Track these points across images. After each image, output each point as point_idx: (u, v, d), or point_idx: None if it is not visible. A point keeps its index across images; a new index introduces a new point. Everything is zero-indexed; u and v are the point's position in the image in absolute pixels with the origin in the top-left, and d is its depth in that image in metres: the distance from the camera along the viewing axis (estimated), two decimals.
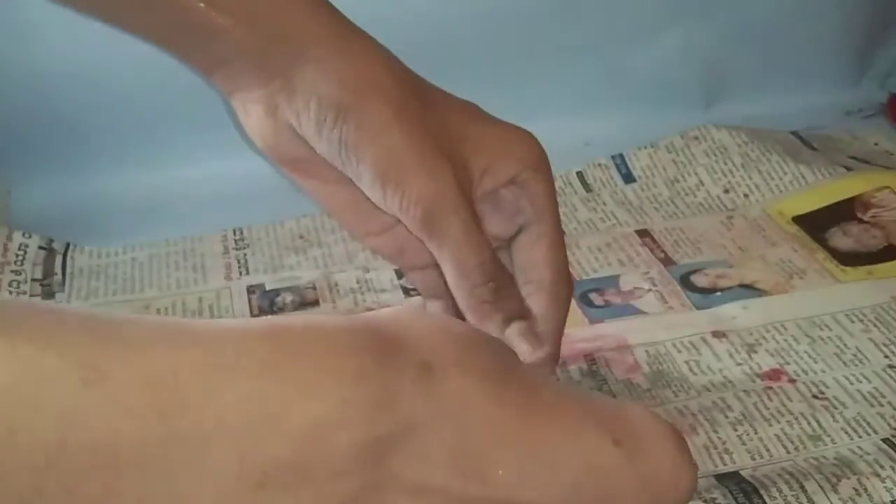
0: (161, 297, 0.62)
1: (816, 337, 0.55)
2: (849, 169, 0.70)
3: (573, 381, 0.53)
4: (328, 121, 0.41)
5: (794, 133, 0.76)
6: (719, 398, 0.52)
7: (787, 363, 0.54)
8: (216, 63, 0.44)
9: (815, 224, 0.66)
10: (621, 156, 0.74)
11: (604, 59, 0.78)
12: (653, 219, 0.68)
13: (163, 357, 0.25)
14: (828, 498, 0.44)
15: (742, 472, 0.47)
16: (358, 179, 0.41)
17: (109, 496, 0.24)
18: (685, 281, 0.61)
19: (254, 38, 0.42)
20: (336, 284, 0.62)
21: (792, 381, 0.52)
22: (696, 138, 0.74)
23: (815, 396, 0.51)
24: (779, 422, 0.50)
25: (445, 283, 0.42)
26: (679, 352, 0.55)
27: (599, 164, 0.73)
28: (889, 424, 0.49)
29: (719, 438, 0.49)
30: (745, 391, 0.52)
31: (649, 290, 0.60)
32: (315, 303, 0.61)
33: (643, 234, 0.66)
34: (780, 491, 0.45)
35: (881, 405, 0.50)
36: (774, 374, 0.53)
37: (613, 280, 0.61)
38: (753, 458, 0.48)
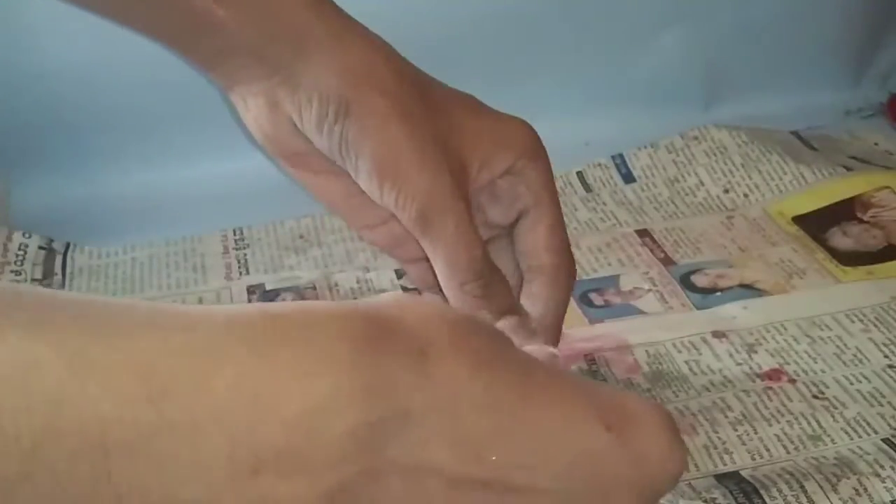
0: (161, 297, 0.62)
1: (816, 337, 0.55)
2: (849, 169, 0.70)
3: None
4: (329, 115, 0.41)
5: (794, 133, 0.76)
6: (719, 398, 0.52)
7: (787, 363, 0.54)
8: (216, 57, 0.44)
9: (815, 224, 0.66)
10: (621, 156, 0.74)
11: (604, 59, 0.78)
12: (653, 219, 0.68)
13: (153, 342, 0.25)
14: (828, 498, 0.44)
15: (742, 472, 0.47)
16: (355, 174, 0.42)
17: (98, 481, 0.24)
18: (685, 281, 0.61)
19: (254, 32, 0.42)
20: (336, 284, 0.62)
21: (792, 381, 0.52)
22: (696, 138, 0.74)
23: (815, 396, 0.51)
24: (779, 422, 0.50)
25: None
26: (679, 352, 0.55)
27: (599, 164, 0.73)
28: (889, 424, 0.49)
29: (719, 438, 0.49)
30: (745, 391, 0.52)
31: (649, 290, 0.60)
32: None
33: (643, 234, 0.66)
34: (780, 491, 0.45)
35: (881, 405, 0.50)
36: (774, 374, 0.53)
37: (613, 280, 0.61)
38: (753, 458, 0.48)
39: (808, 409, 0.50)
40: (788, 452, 0.48)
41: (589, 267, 0.63)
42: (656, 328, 0.57)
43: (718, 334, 0.56)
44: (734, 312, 0.58)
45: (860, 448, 0.48)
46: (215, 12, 0.42)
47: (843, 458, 0.47)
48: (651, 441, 0.30)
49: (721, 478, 0.46)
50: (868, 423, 0.49)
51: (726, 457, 0.48)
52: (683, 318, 0.58)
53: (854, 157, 0.73)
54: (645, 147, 0.74)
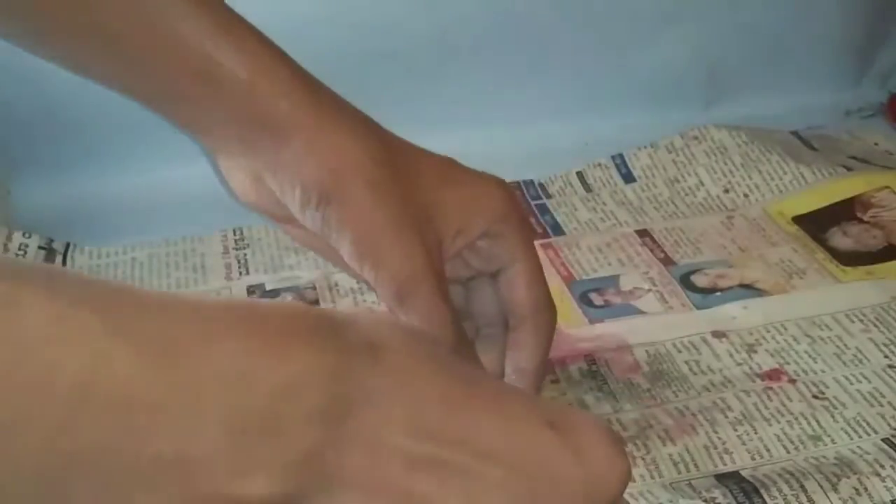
0: None
1: (816, 337, 0.55)
2: (849, 169, 0.70)
3: (573, 380, 0.53)
4: (312, 202, 0.43)
5: (794, 133, 0.76)
6: (719, 398, 0.52)
7: (787, 363, 0.54)
8: (200, 129, 0.46)
9: (815, 224, 0.66)
10: (621, 156, 0.74)
11: (604, 59, 0.78)
12: (653, 219, 0.68)
13: (170, 321, 0.29)
14: (828, 497, 0.44)
15: (742, 472, 0.47)
16: (338, 250, 0.44)
17: (127, 436, 0.27)
18: (685, 281, 0.61)
19: (235, 115, 0.44)
20: (336, 284, 0.62)
21: (792, 381, 0.52)
22: (696, 138, 0.74)
23: (815, 396, 0.51)
24: (779, 422, 0.50)
25: None
26: (679, 352, 0.55)
27: (599, 164, 0.73)
28: (889, 424, 0.49)
29: (719, 438, 0.49)
30: (745, 391, 0.52)
31: (649, 290, 0.60)
32: (315, 303, 0.60)
33: (643, 234, 0.66)
34: (780, 490, 0.45)
35: (881, 405, 0.50)
36: (774, 374, 0.53)
37: (613, 280, 0.61)
38: (753, 458, 0.48)
39: (808, 409, 0.50)
40: (788, 452, 0.48)
41: (589, 267, 0.63)
42: (656, 328, 0.57)
43: (718, 334, 0.56)
44: (734, 312, 0.58)
45: (860, 448, 0.48)
46: (195, 90, 0.44)
47: (843, 458, 0.47)
48: (593, 443, 0.32)
49: (721, 478, 0.46)
50: (868, 423, 0.49)
51: (726, 457, 0.48)
52: (683, 318, 0.58)
53: (854, 157, 0.73)
54: (645, 147, 0.74)
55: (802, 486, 0.45)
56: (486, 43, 0.75)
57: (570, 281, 0.61)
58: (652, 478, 0.47)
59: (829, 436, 0.49)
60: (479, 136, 0.74)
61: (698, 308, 0.59)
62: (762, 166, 0.71)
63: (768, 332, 0.56)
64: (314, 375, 0.29)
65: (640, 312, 0.59)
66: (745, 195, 0.70)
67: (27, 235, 0.65)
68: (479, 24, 0.74)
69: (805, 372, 0.53)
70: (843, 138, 0.76)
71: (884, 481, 0.45)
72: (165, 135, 0.73)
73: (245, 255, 0.66)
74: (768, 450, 0.48)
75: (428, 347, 0.32)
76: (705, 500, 0.45)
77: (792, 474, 0.46)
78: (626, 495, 0.42)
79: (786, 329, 0.56)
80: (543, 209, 0.70)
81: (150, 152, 0.73)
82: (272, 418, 0.28)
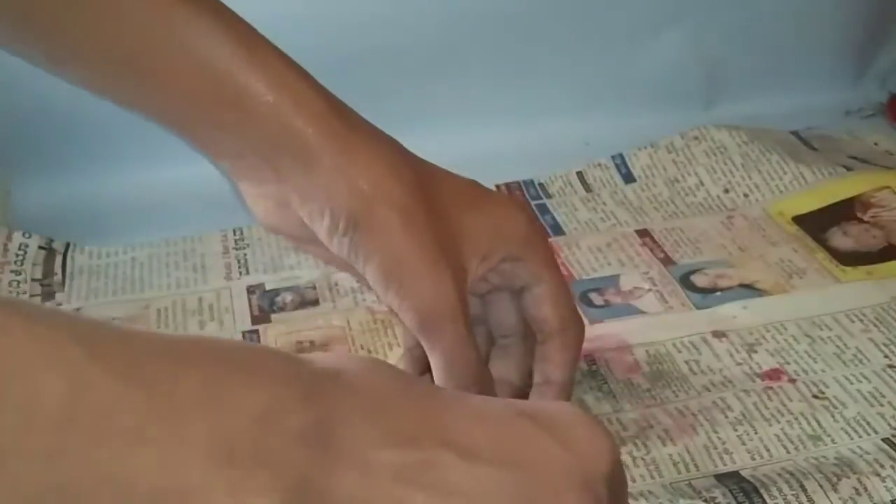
0: (161, 297, 0.62)
1: (816, 337, 0.55)
2: (849, 169, 0.70)
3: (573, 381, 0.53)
4: (339, 228, 0.43)
5: (794, 133, 0.76)
6: (719, 398, 0.52)
7: (787, 363, 0.54)
8: (225, 154, 0.46)
9: (815, 224, 0.66)
10: (621, 156, 0.74)
11: (604, 59, 0.78)
12: (653, 219, 0.68)
13: (141, 345, 0.29)
14: (828, 497, 0.44)
15: (742, 472, 0.47)
16: (363, 275, 0.44)
17: (117, 466, 0.26)
18: (685, 281, 0.61)
19: (263, 141, 0.43)
20: (336, 284, 0.62)
21: (792, 380, 0.52)
22: (696, 138, 0.74)
23: (815, 396, 0.51)
24: (779, 422, 0.50)
25: None
26: (679, 352, 0.55)
27: (599, 164, 0.73)
28: (889, 424, 0.49)
29: (719, 438, 0.49)
30: (745, 391, 0.52)
31: (649, 290, 0.60)
32: (315, 302, 0.61)
33: (643, 234, 0.66)
34: (780, 490, 0.45)
35: (881, 405, 0.50)
36: (774, 374, 0.53)
37: (613, 280, 0.61)
38: (753, 458, 0.48)
39: (808, 409, 0.50)
40: (788, 452, 0.48)
41: (589, 267, 0.63)
42: (656, 328, 0.57)
43: (718, 334, 0.56)
44: (734, 312, 0.58)
45: (860, 448, 0.48)
46: (220, 114, 0.43)
47: (843, 458, 0.47)
48: (572, 426, 0.33)
49: (721, 478, 0.46)
50: (868, 423, 0.49)
51: (726, 457, 0.48)
52: (683, 318, 0.58)
53: (854, 157, 0.72)
54: (645, 147, 0.74)
55: (802, 486, 0.45)
56: (485, 42, 0.75)
57: (570, 281, 0.61)
58: (652, 478, 0.47)
59: (829, 436, 0.49)
60: (479, 136, 0.74)
61: (698, 308, 0.59)
62: (762, 166, 0.71)
63: (768, 332, 0.56)
64: (287, 401, 0.29)
65: (640, 312, 0.59)
66: (745, 195, 0.70)
67: (27, 235, 0.65)
68: (478, 24, 0.74)
69: (805, 372, 0.53)
70: (843, 138, 0.76)
71: (884, 481, 0.45)
72: (165, 135, 0.73)
73: (245, 255, 0.66)
74: (768, 450, 0.48)
75: (388, 369, 0.33)
76: (705, 500, 0.45)
77: (792, 474, 0.46)
78: None
79: (786, 329, 0.56)
80: (543, 209, 0.70)
81: (150, 152, 0.73)
82: (258, 444, 0.28)
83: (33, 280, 0.63)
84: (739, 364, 0.54)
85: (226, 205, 0.70)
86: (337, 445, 0.29)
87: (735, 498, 0.45)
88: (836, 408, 0.50)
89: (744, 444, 0.48)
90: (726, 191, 0.70)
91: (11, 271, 0.63)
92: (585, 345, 0.55)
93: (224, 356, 0.30)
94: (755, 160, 0.71)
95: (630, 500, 0.45)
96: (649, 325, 0.57)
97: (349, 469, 0.29)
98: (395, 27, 0.73)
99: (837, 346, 0.55)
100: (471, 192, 0.47)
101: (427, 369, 0.49)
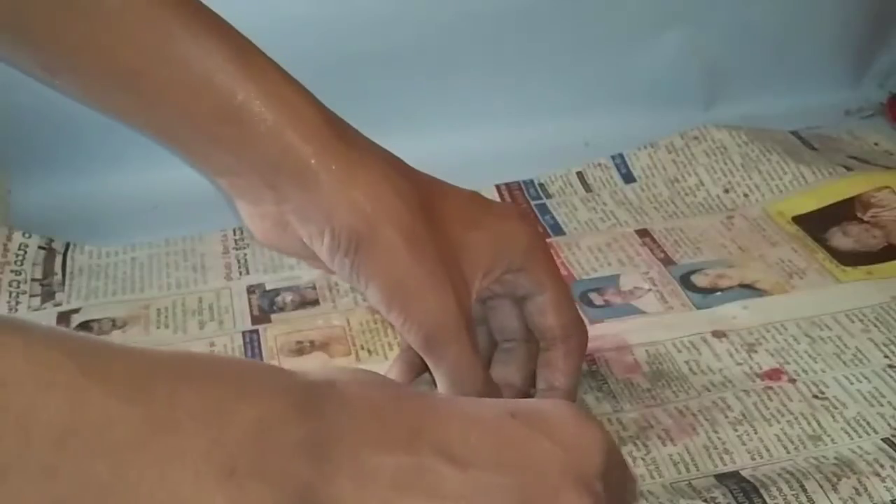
0: (161, 297, 0.62)
1: (816, 337, 0.55)
2: (849, 169, 0.70)
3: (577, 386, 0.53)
4: (341, 247, 0.43)
5: (794, 133, 0.76)
6: (719, 398, 0.52)
7: (787, 363, 0.54)
8: (223, 171, 0.45)
9: (815, 224, 0.66)
10: (621, 156, 0.74)
11: (604, 59, 0.78)
12: (653, 219, 0.68)
13: (138, 361, 0.29)
14: (828, 497, 0.44)
15: (742, 472, 0.47)
16: (365, 294, 0.44)
17: (117, 480, 0.27)
18: (685, 281, 0.61)
19: (262, 159, 0.43)
20: (336, 284, 0.62)
21: (792, 380, 0.52)
22: (696, 138, 0.74)
23: (815, 396, 0.51)
24: (779, 422, 0.50)
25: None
26: (679, 352, 0.55)
27: (599, 164, 0.73)
28: (889, 424, 0.49)
29: (719, 438, 0.49)
30: (745, 391, 0.52)
31: (649, 290, 0.60)
32: (315, 302, 0.61)
33: (643, 234, 0.66)
34: (780, 490, 0.45)
35: (881, 405, 0.50)
36: (774, 374, 0.53)
37: (613, 280, 0.61)
38: (753, 458, 0.48)
39: (808, 409, 0.50)
40: (788, 452, 0.48)
41: (589, 267, 0.63)
42: (656, 328, 0.57)
43: (718, 334, 0.56)
44: (734, 312, 0.58)
45: (860, 448, 0.48)
46: (219, 131, 0.42)
47: (843, 458, 0.47)
48: (561, 420, 0.33)
49: (721, 478, 0.46)
50: (868, 423, 0.49)
51: (726, 457, 0.48)
52: (683, 318, 0.58)
53: (854, 157, 0.72)
54: (645, 147, 0.74)
55: (802, 486, 0.45)
56: (485, 43, 0.75)
57: (570, 281, 0.61)
58: (652, 478, 0.47)
59: (829, 436, 0.49)
60: (479, 136, 0.74)
61: (698, 308, 0.59)
62: (762, 166, 0.71)
63: (768, 332, 0.56)
64: (283, 413, 0.29)
65: (640, 312, 0.59)
66: (745, 195, 0.70)
67: (27, 235, 0.65)
68: (478, 24, 0.74)
69: (805, 372, 0.53)
70: (843, 138, 0.76)
71: (884, 481, 0.45)
72: None
73: (245, 255, 0.66)
74: (768, 450, 0.48)
75: (377, 379, 0.33)
76: (705, 500, 0.45)
77: (792, 474, 0.46)
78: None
79: (786, 329, 0.56)
80: (543, 209, 0.70)
81: (149, 152, 0.73)
82: (257, 457, 0.28)
83: (33, 280, 0.63)
84: (739, 364, 0.54)
85: (226, 205, 0.70)
86: (333, 456, 0.29)
87: (735, 498, 0.45)
88: (836, 408, 0.50)
89: (744, 444, 0.48)
90: (726, 191, 0.70)
91: (11, 271, 0.63)
92: None
93: (219, 371, 0.30)
94: (755, 160, 0.71)
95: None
96: (649, 325, 0.57)
97: (346, 479, 0.29)
98: (395, 28, 0.73)
99: (837, 346, 0.55)
100: (471, 207, 0.47)
101: (422, 372, 0.50)
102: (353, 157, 0.43)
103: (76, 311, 0.61)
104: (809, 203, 0.68)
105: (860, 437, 0.48)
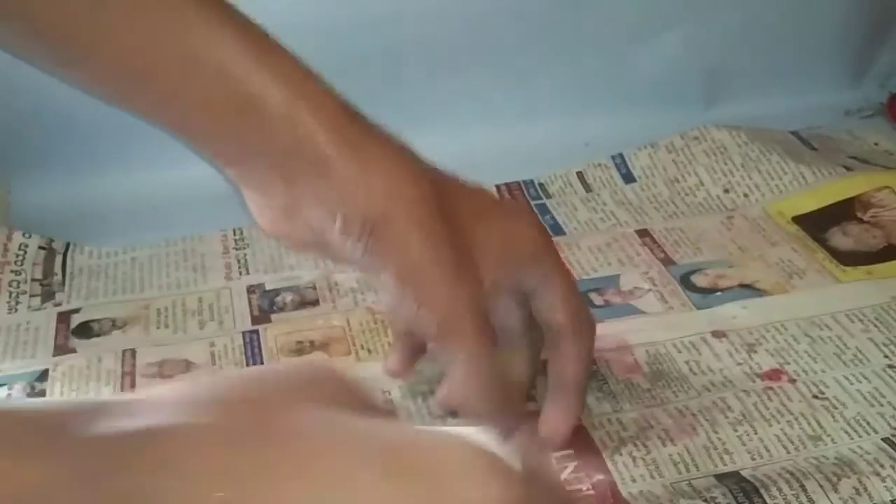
0: (161, 297, 0.62)
1: (816, 337, 0.55)
2: (849, 169, 0.70)
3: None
4: (354, 233, 0.42)
5: (794, 133, 0.76)
6: (719, 398, 0.52)
7: (787, 363, 0.54)
8: (234, 161, 0.45)
9: (815, 224, 0.66)
10: (621, 156, 0.74)
11: (604, 58, 0.78)
12: (653, 219, 0.68)
13: None
14: (828, 497, 0.44)
15: (742, 472, 0.47)
16: (377, 280, 0.44)
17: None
18: (685, 281, 0.61)
19: (275, 146, 0.42)
20: (336, 284, 0.62)
21: (792, 381, 0.52)
22: (696, 138, 0.74)
23: (815, 396, 0.51)
24: (779, 422, 0.50)
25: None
26: (679, 352, 0.55)
27: (599, 164, 0.73)
28: (889, 424, 0.49)
29: (719, 438, 0.49)
30: (745, 391, 0.52)
31: (649, 290, 0.60)
32: (315, 303, 0.61)
33: (643, 234, 0.66)
34: (780, 490, 0.45)
35: (881, 405, 0.50)
36: (774, 374, 0.53)
37: (613, 280, 0.61)
38: (753, 458, 0.48)
39: (808, 409, 0.50)
40: (788, 452, 0.48)
41: (589, 267, 0.63)
42: (656, 328, 0.57)
43: (718, 334, 0.56)
44: (734, 312, 0.58)
45: (860, 448, 0.48)
46: (233, 121, 0.42)
47: (843, 458, 0.47)
48: (457, 472, 0.27)
49: (721, 478, 0.46)
50: (868, 423, 0.49)
51: (726, 457, 0.48)
52: (683, 318, 0.58)
53: (854, 157, 0.72)
54: (645, 147, 0.74)
55: (802, 486, 0.45)
56: (485, 43, 0.75)
57: None
58: (652, 478, 0.47)
59: (829, 436, 0.49)
60: (479, 136, 0.74)
61: (698, 308, 0.59)
62: (762, 166, 0.71)
63: (768, 332, 0.56)
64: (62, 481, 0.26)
65: (640, 312, 0.59)
66: (745, 195, 0.70)
67: (27, 235, 0.65)
68: (479, 24, 0.74)
69: (805, 372, 0.53)
70: (843, 138, 0.76)
71: (884, 481, 0.45)
72: (165, 135, 0.73)
73: (245, 255, 0.66)
74: (768, 450, 0.48)
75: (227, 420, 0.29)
76: (705, 500, 0.45)
77: (792, 474, 0.46)
78: (626, 495, 0.42)
79: (786, 329, 0.56)
80: (543, 209, 0.70)
81: (150, 152, 0.73)
82: None
83: (33, 280, 0.63)
84: (739, 364, 0.54)
85: (226, 205, 0.70)
86: None
87: (735, 498, 0.45)
88: (836, 408, 0.50)
89: (744, 444, 0.48)
90: (726, 191, 0.70)
91: (11, 271, 0.63)
92: None
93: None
94: (755, 160, 0.71)
95: (630, 501, 0.45)
96: (649, 325, 0.57)
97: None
98: (395, 28, 0.73)
99: (837, 346, 0.55)
100: (481, 202, 0.47)
101: (419, 353, 0.49)
102: (368, 146, 0.43)
103: (76, 311, 0.61)
104: (809, 203, 0.68)
105: (860, 437, 0.48)
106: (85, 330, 0.59)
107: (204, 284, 0.63)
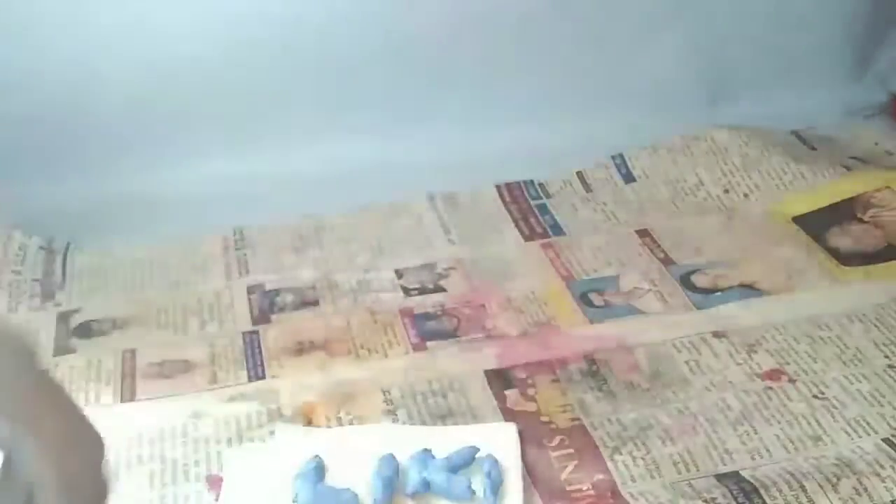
0: (161, 297, 0.62)
1: (816, 337, 0.55)
2: (849, 169, 0.70)
3: (573, 380, 0.53)
4: None
5: (794, 133, 0.76)
6: (719, 398, 0.52)
7: (787, 363, 0.54)
8: None
9: (815, 224, 0.66)
10: (621, 156, 0.74)
11: (604, 59, 0.78)
12: (653, 219, 0.68)
13: None
14: (828, 497, 0.44)
15: (742, 472, 0.47)
16: None
17: None
18: (685, 281, 0.61)
19: None
20: (336, 284, 0.62)
21: (792, 381, 0.52)
22: (697, 138, 0.74)
23: (815, 396, 0.51)
24: (779, 422, 0.50)
25: None
26: (679, 352, 0.55)
27: (599, 164, 0.73)
28: (889, 424, 0.49)
29: (719, 438, 0.49)
30: (745, 391, 0.52)
31: (649, 290, 0.60)
32: (315, 303, 0.60)
33: (643, 234, 0.66)
34: (780, 491, 0.45)
35: (881, 405, 0.50)
36: (774, 374, 0.53)
37: (613, 280, 0.61)
38: (753, 459, 0.48)
39: (808, 409, 0.50)
40: (788, 452, 0.48)
41: (589, 267, 0.63)
42: (656, 328, 0.57)
43: (718, 334, 0.56)
44: (734, 312, 0.58)
45: (860, 448, 0.48)
46: None
47: (843, 458, 0.47)
48: None
49: (721, 478, 0.46)
50: (868, 423, 0.49)
51: (726, 457, 0.48)
52: (683, 318, 0.58)
53: (854, 157, 0.73)
54: (645, 147, 0.74)
55: (802, 486, 0.45)
56: (486, 43, 0.75)
57: (570, 281, 0.61)
58: (652, 478, 0.47)
59: (829, 436, 0.49)
60: (479, 136, 0.74)
61: (698, 308, 0.59)
62: (762, 166, 0.71)
63: (768, 332, 0.56)
64: None
65: (640, 312, 0.59)
66: (745, 195, 0.69)
67: (27, 235, 0.65)
68: (479, 25, 0.74)
69: (805, 372, 0.53)
70: (843, 138, 0.76)
71: (884, 481, 0.45)
72: (165, 135, 0.73)
73: (245, 255, 0.66)
74: (768, 450, 0.48)
75: None
76: (705, 500, 0.45)
77: (792, 474, 0.46)
78: (626, 495, 0.42)
79: (786, 329, 0.56)
80: (543, 209, 0.70)
81: (150, 152, 0.73)
82: None
83: (33, 280, 0.63)
84: (739, 364, 0.54)
85: (226, 205, 0.71)
86: None
87: (735, 498, 0.45)
88: (836, 408, 0.50)
89: (744, 444, 0.48)
90: (726, 191, 0.70)
91: (11, 271, 0.63)
92: (585, 345, 0.55)
93: None
94: (755, 160, 0.71)
95: (630, 501, 0.45)
96: (649, 325, 0.57)
97: None
98: (395, 28, 0.73)
99: (837, 346, 0.55)
100: None
101: None
102: None
103: (76, 311, 0.61)
104: (809, 203, 0.68)
105: (860, 437, 0.48)
106: (85, 330, 0.59)
107: (204, 284, 0.63)
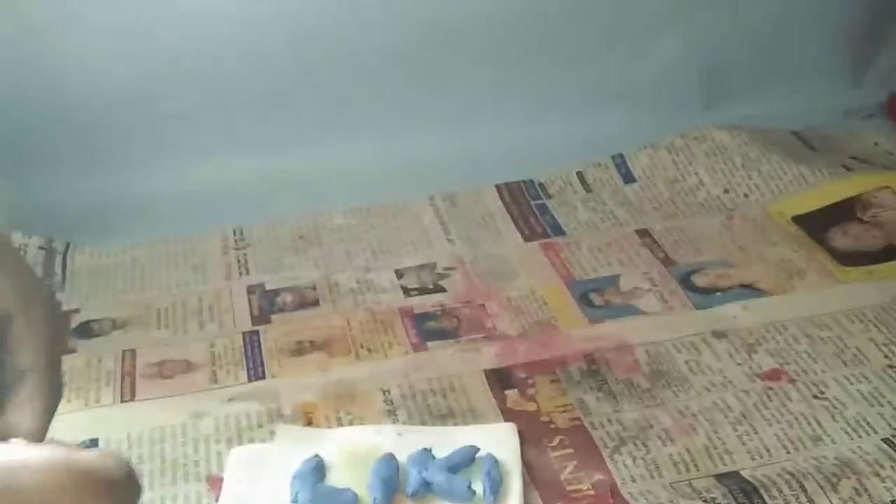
0: (161, 297, 0.62)
1: (816, 337, 0.55)
2: (849, 169, 0.70)
3: (573, 380, 0.53)
4: None
5: (794, 133, 0.76)
6: (719, 398, 0.52)
7: (787, 363, 0.54)
8: None
9: (815, 224, 0.66)
10: (621, 156, 0.74)
11: (604, 59, 0.78)
12: (653, 219, 0.68)
13: None
14: (828, 498, 0.44)
15: (742, 472, 0.47)
16: None
17: None
18: (685, 281, 0.61)
19: None
20: (336, 284, 0.62)
21: (792, 381, 0.52)
22: (697, 138, 0.74)
23: (815, 396, 0.51)
24: (779, 422, 0.50)
25: None
26: (679, 352, 0.55)
27: (599, 164, 0.73)
28: (889, 424, 0.49)
29: (719, 438, 0.49)
30: (745, 391, 0.52)
31: (649, 290, 0.60)
32: (315, 302, 0.61)
33: (643, 234, 0.66)
34: (780, 491, 0.45)
35: (881, 405, 0.50)
36: (774, 374, 0.53)
37: (613, 280, 0.61)
38: (753, 459, 0.48)
39: (808, 409, 0.50)
40: (788, 452, 0.48)
41: (589, 267, 0.63)
42: (656, 328, 0.57)
43: (718, 334, 0.56)
44: (734, 312, 0.58)
45: (860, 448, 0.48)
46: None
47: (843, 458, 0.47)
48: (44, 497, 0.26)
49: (721, 478, 0.46)
50: (868, 423, 0.49)
51: (726, 457, 0.48)
52: (683, 318, 0.58)
53: (854, 157, 0.72)
54: (645, 147, 0.74)
55: (802, 487, 0.45)
56: (486, 44, 0.75)
57: (570, 281, 0.61)
58: (652, 478, 0.47)
59: (829, 436, 0.49)
60: (479, 136, 0.74)
61: (698, 308, 0.59)
62: (762, 166, 0.71)
63: (768, 332, 0.56)
64: None
65: (640, 312, 0.59)
66: (745, 195, 0.70)
67: (27, 235, 0.65)
68: (479, 25, 0.74)
69: (805, 372, 0.53)
70: (843, 138, 0.76)
71: (884, 481, 0.45)
72: (165, 135, 0.73)
73: (245, 255, 0.66)
74: (768, 450, 0.48)
75: None
76: (705, 501, 0.45)
77: (792, 474, 0.46)
78: (626, 495, 0.42)
79: (786, 329, 0.56)
80: (543, 209, 0.70)
81: (150, 152, 0.73)
82: None
83: None
84: (739, 364, 0.54)
85: (226, 205, 0.71)
86: None
87: (735, 498, 0.45)
88: (836, 408, 0.50)
89: (744, 444, 0.48)
90: (726, 191, 0.70)
91: None
92: (585, 345, 0.55)
93: None
94: (755, 160, 0.71)
95: (630, 501, 0.45)
96: (649, 325, 0.57)
97: None
98: (395, 28, 0.73)
99: (837, 346, 0.55)
100: None
101: None
102: None
103: (76, 311, 0.61)
104: (809, 203, 0.68)
105: (860, 437, 0.48)
106: (85, 330, 0.59)
107: (204, 284, 0.63)
